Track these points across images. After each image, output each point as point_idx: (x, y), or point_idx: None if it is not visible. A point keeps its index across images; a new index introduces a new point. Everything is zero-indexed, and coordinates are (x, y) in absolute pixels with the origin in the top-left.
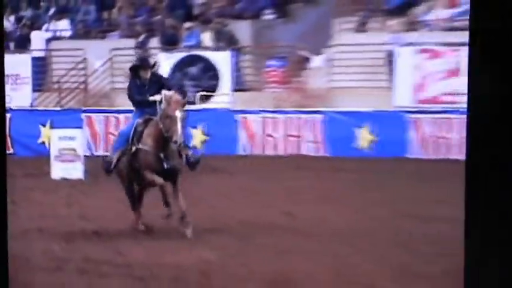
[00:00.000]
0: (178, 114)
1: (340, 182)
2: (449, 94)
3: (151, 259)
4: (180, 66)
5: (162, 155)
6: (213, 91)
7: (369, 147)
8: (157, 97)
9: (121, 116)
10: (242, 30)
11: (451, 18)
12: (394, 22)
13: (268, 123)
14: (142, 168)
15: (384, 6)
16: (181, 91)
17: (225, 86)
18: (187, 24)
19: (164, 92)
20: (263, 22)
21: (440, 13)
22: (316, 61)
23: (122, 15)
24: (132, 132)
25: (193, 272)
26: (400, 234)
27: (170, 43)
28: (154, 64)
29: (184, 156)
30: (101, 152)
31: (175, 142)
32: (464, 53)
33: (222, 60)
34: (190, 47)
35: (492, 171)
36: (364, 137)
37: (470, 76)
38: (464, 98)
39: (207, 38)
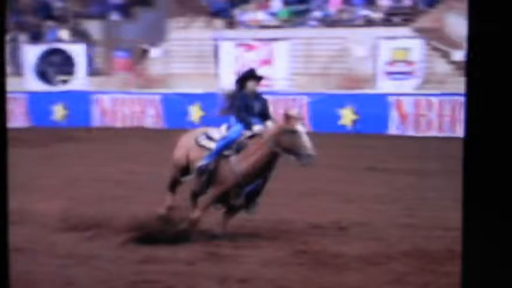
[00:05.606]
0: (301, 128)
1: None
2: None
3: (69, 208)
4: (44, 56)
5: (260, 177)
6: (71, 75)
7: (199, 121)
8: (257, 128)
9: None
10: (93, 28)
11: (261, 19)
12: (217, 21)
13: (117, 101)
14: (217, 179)
15: (209, 8)
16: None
17: (81, 71)
18: (49, 23)
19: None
20: (110, 22)
21: (253, 14)
22: (155, 52)
23: None
24: (236, 140)
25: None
26: None
27: (35, 38)
28: (262, 77)
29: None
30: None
31: (309, 156)
32: (274, 46)
33: (77, 51)
34: (52, 41)
35: (489, 170)
36: (195, 113)
37: (470, 75)
38: (277, 82)
39: (65, 34)
